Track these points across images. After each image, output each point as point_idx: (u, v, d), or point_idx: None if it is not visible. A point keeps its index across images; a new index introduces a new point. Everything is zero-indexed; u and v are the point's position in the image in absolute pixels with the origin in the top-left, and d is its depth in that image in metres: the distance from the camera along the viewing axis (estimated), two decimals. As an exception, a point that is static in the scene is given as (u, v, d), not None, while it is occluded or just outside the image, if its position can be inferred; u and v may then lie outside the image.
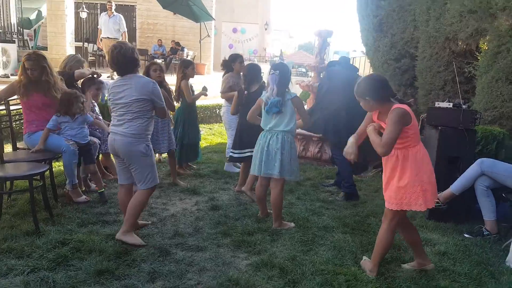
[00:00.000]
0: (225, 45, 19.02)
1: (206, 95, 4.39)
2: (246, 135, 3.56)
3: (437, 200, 3.06)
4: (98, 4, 13.85)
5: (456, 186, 3.05)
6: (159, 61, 12.16)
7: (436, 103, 3.58)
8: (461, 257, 2.64)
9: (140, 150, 2.53)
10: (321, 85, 4.05)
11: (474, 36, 4.70)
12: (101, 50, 9.39)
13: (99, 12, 14.06)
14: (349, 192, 3.74)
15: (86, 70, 3.84)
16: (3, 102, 3.36)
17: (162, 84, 3.78)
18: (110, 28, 8.54)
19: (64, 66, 3.87)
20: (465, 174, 3.05)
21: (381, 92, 2.16)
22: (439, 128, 3.29)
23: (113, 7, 8.61)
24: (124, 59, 2.51)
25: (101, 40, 8.75)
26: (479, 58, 4.65)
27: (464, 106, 3.30)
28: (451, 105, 3.33)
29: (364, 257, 2.52)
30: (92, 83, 3.79)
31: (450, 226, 3.15)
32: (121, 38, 8.48)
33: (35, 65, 3.21)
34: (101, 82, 3.93)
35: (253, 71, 3.61)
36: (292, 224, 3.06)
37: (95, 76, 3.86)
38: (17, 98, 3.35)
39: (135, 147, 2.53)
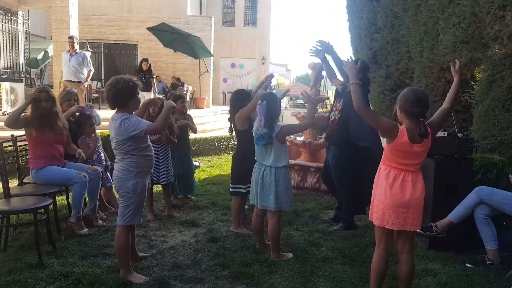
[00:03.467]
0: (224, 79, 19.84)
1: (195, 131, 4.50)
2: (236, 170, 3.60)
3: (436, 229, 3.06)
4: (102, 44, 14.38)
5: (454, 215, 3.04)
6: (160, 96, 12.48)
7: (432, 132, 3.64)
8: (464, 288, 2.60)
9: (127, 187, 2.52)
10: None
11: (469, 65, 4.78)
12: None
13: (102, 51, 14.44)
14: (348, 224, 3.76)
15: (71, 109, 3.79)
16: (10, 139, 3.46)
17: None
18: (70, 68, 6.97)
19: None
20: (463, 202, 3.05)
21: (411, 106, 2.18)
22: (435, 156, 3.34)
23: (76, 44, 7.07)
24: (111, 95, 2.49)
25: (60, 83, 7.27)
26: (474, 87, 4.73)
27: (459, 135, 3.34)
28: (446, 134, 3.38)
29: None
30: (83, 120, 3.81)
31: (452, 255, 3.11)
32: (84, 79, 7.21)
33: (48, 96, 3.31)
34: (90, 117, 3.84)
35: (238, 97, 3.50)
36: (291, 255, 3.04)
37: (81, 110, 3.82)
38: (24, 135, 3.41)
39: (122, 183, 2.53)
